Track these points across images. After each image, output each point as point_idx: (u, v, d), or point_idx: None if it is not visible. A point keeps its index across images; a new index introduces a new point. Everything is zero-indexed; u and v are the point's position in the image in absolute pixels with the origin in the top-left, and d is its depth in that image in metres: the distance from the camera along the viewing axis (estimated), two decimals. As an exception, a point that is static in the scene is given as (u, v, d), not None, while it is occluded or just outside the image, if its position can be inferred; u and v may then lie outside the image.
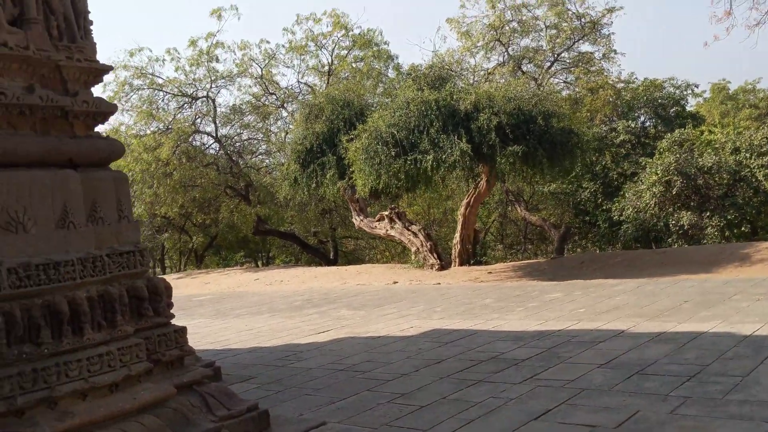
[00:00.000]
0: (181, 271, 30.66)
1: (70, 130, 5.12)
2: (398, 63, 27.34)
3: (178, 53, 26.68)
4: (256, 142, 28.99)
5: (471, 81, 22.81)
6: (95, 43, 5.31)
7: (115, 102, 27.23)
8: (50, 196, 4.72)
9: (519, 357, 7.19)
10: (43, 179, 4.69)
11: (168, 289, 5.47)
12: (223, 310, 14.58)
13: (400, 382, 6.64)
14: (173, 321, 5.47)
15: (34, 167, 4.72)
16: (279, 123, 28.69)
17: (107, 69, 5.40)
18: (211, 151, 27.84)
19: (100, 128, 5.81)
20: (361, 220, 19.97)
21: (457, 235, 18.37)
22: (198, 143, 27.59)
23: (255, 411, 5.41)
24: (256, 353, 9.00)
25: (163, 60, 28.26)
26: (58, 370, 4.45)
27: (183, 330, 5.43)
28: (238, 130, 28.41)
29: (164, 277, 26.85)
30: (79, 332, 4.65)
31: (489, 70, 24.45)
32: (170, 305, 5.47)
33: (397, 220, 19.16)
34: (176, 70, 26.95)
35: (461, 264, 17.91)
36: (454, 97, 15.59)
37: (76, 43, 5.14)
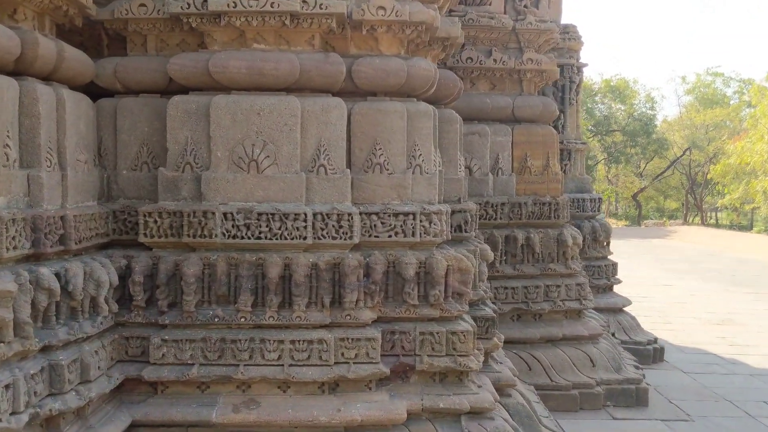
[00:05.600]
0: None
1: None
2: None
3: None
4: None
5: None
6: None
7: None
8: (298, 129, 3.74)
9: None
10: (293, 107, 3.72)
11: (465, 272, 3.88)
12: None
13: None
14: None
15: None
16: None
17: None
18: None
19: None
20: None
21: None
22: None
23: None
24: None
25: None
26: (252, 346, 3.58)
27: (468, 333, 3.79)
28: None
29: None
30: (289, 306, 3.64)
31: None
32: (463, 294, 3.89)
33: None
34: None
35: None
36: None
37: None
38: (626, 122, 41.79)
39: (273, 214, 3.65)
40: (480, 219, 5.69)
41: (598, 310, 6.83)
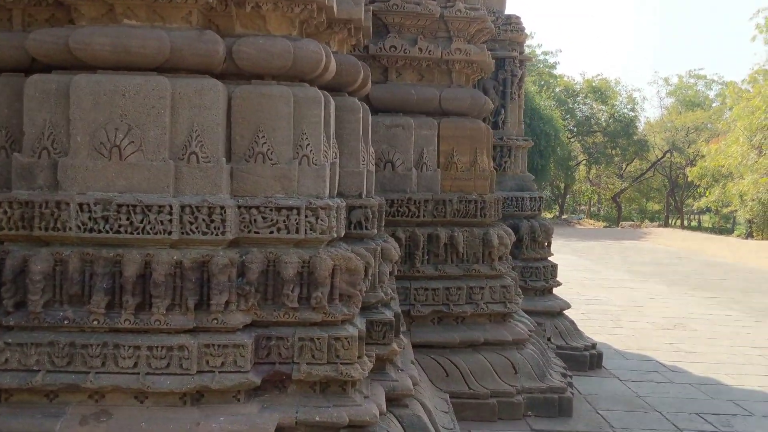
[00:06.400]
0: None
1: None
2: None
3: None
4: None
5: None
6: None
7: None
8: (168, 112, 3.40)
9: None
10: (161, 88, 3.38)
11: (354, 272, 3.56)
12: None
13: None
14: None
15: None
16: None
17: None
18: None
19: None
20: None
21: None
22: None
23: None
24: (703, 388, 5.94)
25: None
26: (105, 352, 3.24)
27: (352, 339, 3.48)
28: None
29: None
30: (149, 309, 3.30)
31: None
32: (352, 297, 3.57)
33: None
34: None
35: None
36: None
37: None
38: (607, 123, 41.69)
39: (134, 206, 3.31)
40: (402, 216, 5.39)
41: (534, 313, 6.54)
